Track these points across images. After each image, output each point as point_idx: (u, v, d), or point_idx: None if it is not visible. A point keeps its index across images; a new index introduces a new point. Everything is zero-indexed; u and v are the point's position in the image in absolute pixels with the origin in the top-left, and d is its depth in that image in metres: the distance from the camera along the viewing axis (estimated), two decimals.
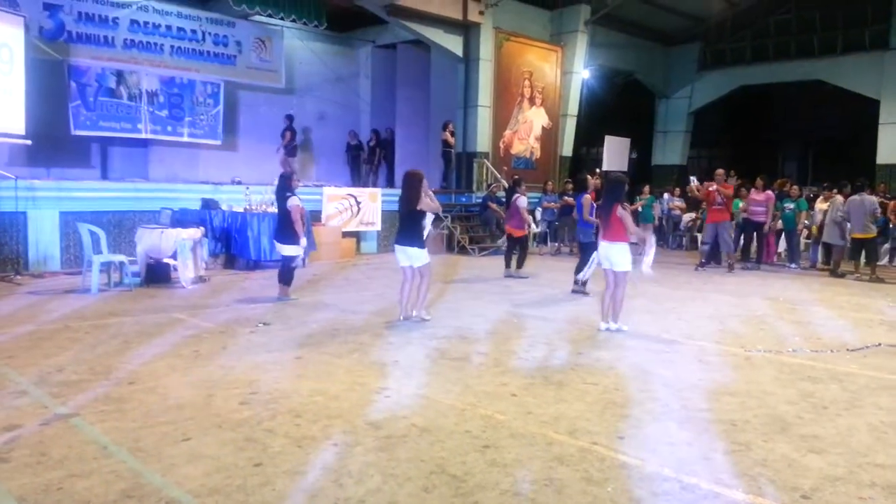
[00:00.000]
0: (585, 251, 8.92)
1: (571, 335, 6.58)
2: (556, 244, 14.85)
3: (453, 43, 15.44)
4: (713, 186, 11.90)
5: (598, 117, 19.96)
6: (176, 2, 13.86)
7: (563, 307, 8.14)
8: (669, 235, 16.50)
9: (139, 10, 13.47)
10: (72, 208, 10.03)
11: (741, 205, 12.58)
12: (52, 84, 12.00)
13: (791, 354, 6.03)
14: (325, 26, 14.94)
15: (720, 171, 12.06)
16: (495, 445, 3.74)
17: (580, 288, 8.93)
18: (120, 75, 13.28)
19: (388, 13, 14.17)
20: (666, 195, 16.66)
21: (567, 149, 18.00)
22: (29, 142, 10.88)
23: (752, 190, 12.20)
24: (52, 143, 11.98)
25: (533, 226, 10.83)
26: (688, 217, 16.52)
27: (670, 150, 21.71)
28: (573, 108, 17.88)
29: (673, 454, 3.69)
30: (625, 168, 18.33)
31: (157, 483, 3.22)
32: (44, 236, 9.91)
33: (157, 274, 9.05)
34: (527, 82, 16.67)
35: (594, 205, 9.52)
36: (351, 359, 5.53)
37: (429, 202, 6.94)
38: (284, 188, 8.02)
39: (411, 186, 6.93)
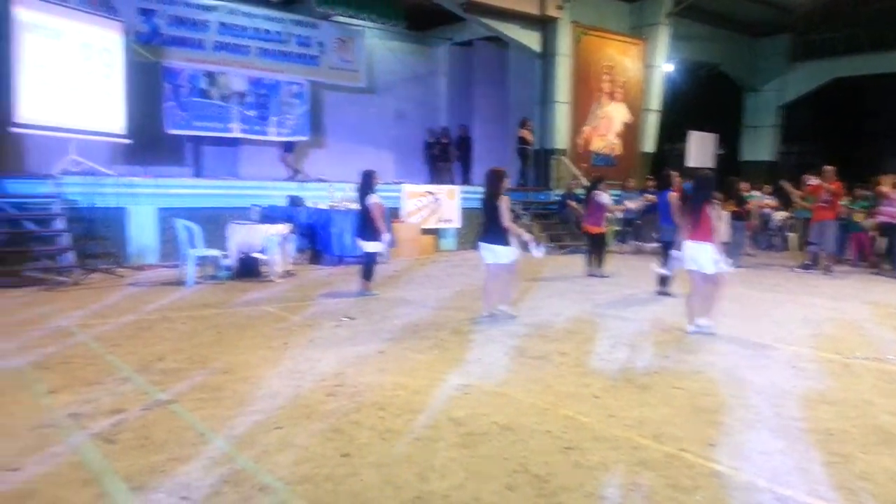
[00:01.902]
0: (667, 250, 8.69)
1: (656, 337, 6.42)
2: (638, 243, 14.53)
3: (530, 38, 15.32)
4: (812, 181, 11.34)
5: (681, 112, 19.37)
6: (262, 4, 14.35)
7: (646, 308, 7.96)
8: (759, 235, 15.81)
9: (228, 13, 14.03)
10: (168, 204, 10.56)
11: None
12: (147, 85, 12.63)
13: (893, 362, 5.69)
14: (404, 25, 15.11)
15: (829, 167, 11.47)
16: (578, 447, 3.71)
17: (664, 288, 8.71)
18: (211, 76, 13.86)
19: (465, 10, 14.20)
20: (755, 192, 15.98)
21: (649, 145, 17.55)
22: (129, 140, 11.53)
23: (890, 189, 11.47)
24: (148, 142, 12.60)
25: (618, 214, 10.54)
26: (780, 216, 15.78)
27: (759, 145, 20.85)
28: (655, 102, 17.42)
29: (767, 464, 3.55)
30: (711, 164, 17.76)
31: (251, 469, 3.36)
32: (142, 231, 10.48)
33: (247, 268, 9.41)
34: (606, 77, 16.35)
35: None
36: (432, 355, 5.60)
37: (511, 226, 6.88)
38: (366, 186, 8.19)
39: (492, 184, 6.96)
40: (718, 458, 3.60)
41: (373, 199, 8.07)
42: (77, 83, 10.57)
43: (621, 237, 14.81)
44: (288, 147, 14.68)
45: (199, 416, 4.08)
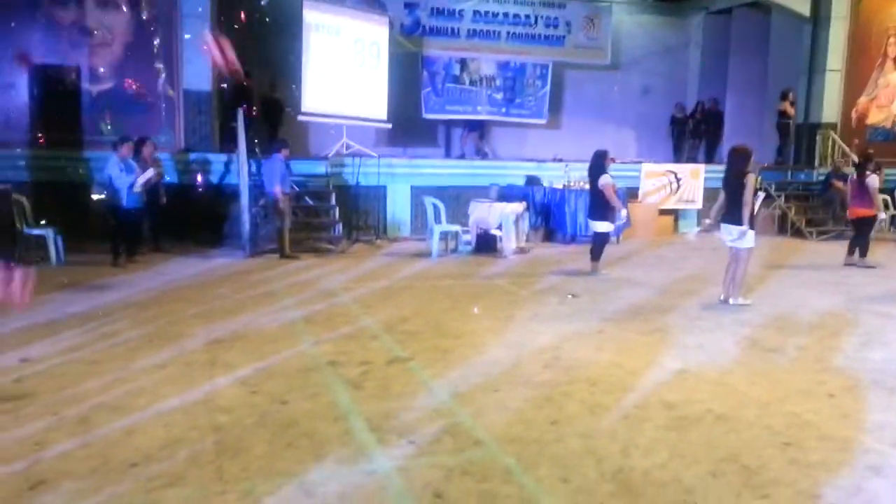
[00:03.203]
0: None
1: None
2: None
3: (799, 2, 13.84)
4: None
5: None
6: None
7: None
8: None
9: (481, 0, 14.77)
10: (420, 183, 11.61)
11: None
12: (407, 74, 13.84)
13: None
14: None
15: None
16: (799, 445, 3.54)
17: None
18: (463, 63, 14.75)
19: None
20: None
21: None
22: (390, 125, 12.83)
23: None
24: (406, 126, 13.83)
25: (882, 214, 9.33)
26: None
27: None
28: None
29: None
30: None
31: (468, 424, 3.77)
32: (398, 207, 11.68)
33: (484, 243, 10.05)
34: (892, 40, 14.18)
35: None
36: (653, 338, 5.59)
37: (749, 203, 6.53)
38: (598, 166, 8.25)
39: (736, 163, 6.67)
40: None
41: (605, 180, 8.12)
42: (350, 75, 12.01)
43: None
44: (473, 126, 15.01)
45: (430, 373, 4.62)
